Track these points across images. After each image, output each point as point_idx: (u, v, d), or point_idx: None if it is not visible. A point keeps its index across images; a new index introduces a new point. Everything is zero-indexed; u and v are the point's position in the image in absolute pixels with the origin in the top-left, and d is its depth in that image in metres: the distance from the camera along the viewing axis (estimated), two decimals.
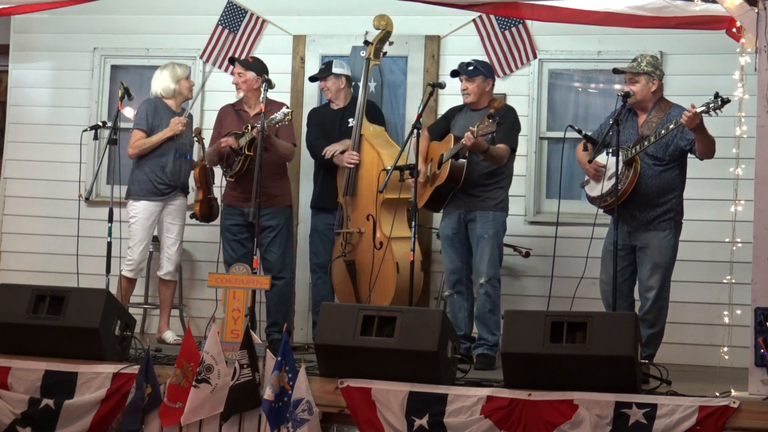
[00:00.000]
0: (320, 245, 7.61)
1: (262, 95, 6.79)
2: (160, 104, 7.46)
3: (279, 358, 5.59)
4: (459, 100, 7.42)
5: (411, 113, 7.90)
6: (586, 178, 6.49)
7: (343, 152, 7.41)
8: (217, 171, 7.64)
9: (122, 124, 7.46)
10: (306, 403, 5.54)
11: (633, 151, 6.20)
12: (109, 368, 6.00)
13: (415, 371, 5.61)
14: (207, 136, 7.73)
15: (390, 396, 5.58)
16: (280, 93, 7.78)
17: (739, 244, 6.29)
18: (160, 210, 7.43)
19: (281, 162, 7.35)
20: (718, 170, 6.68)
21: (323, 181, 7.62)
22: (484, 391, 5.52)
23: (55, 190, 8.47)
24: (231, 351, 5.76)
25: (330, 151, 7.44)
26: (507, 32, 7.89)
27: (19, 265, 8.50)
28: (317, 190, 7.69)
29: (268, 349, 5.81)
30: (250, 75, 7.34)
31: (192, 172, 7.58)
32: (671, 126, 6.10)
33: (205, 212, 7.59)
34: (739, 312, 6.49)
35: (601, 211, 6.41)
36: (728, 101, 5.86)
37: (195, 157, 7.69)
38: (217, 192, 7.66)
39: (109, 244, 6.98)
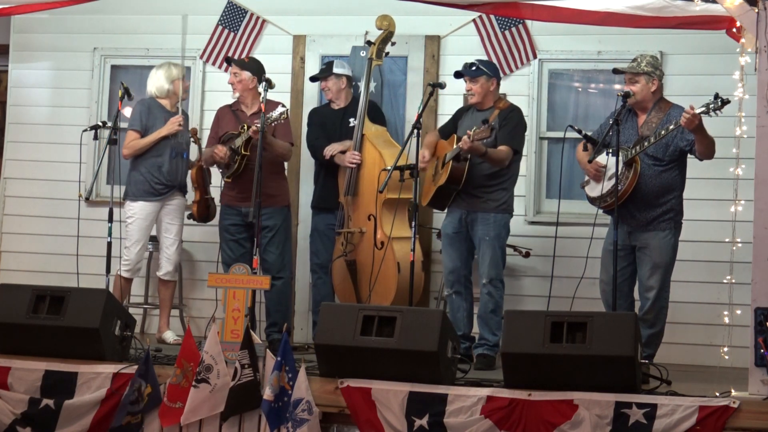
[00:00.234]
0: (321, 245, 7.62)
1: (262, 95, 6.79)
2: (154, 104, 7.45)
3: (279, 358, 5.59)
4: (459, 100, 7.44)
5: (411, 113, 7.90)
6: (586, 178, 6.50)
7: (344, 152, 7.41)
8: (214, 171, 7.63)
9: (122, 124, 7.47)
10: (306, 403, 5.54)
11: (633, 151, 6.20)
12: (109, 368, 6.00)
13: (415, 371, 5.61)
14: (206, 136, 7.74)
15: (390, 396, 5.58)
16: (280, 93, 7.78)
17: (739, 244, 6.28)
18: (157, 210, 7.42)
19: (279, 162, 7.35)
20: (718, 170, 6.68)
21: (324, 181, 7.62)
22: (484, 391, 5.52)
23: (55, 190, 8.47)
24: (231, 351, 5.76)
25: (330, 151, 7.44)
26: (507, 32, 7.89)
27: (19, 265, 8.49)
28: (318, 190, 7.69)
29: (268, 349, 5.81)
30: (246, 75, 7.35)
31: (189, 173, 7.58)
32: (671, 126, 6.11)
33: (203, 212, 7.59)
34: (739, 312, 6.47)
35: (601, 211, 6.41)
36: (728, 102, 5.86)
37: (192, 157, 7.68)
38: (215, 192, 7.66)
39: (109, 244, 6.98)
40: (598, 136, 6.37)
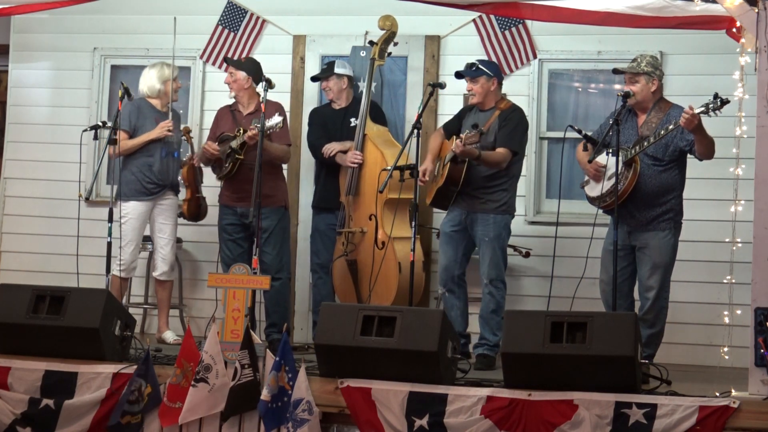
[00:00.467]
0: (321, 245, 7.62)
1: (262, 96, 6.80)
2: (144, 104, 7.43)
3: (277, 358, 5.58)
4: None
5: (411, 113, 7.90)
6: (586, 178, 6.50)
7: (344, 152, 7.41)
8: (207, 170, 7.64)
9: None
10: (306, 403, 5.54)
11: (633, 151, 6.20)
12: (109, 368, 6.00)
13: (415, 371, 5.61)
14: (204, 135, 7.75)
15: (390, 396, 5.58)
16: (280, 93, 7.78)
17: (739, 244, 6.28)
18: (150, 209, 7.42)
19: (275, 163, 7.34)
20: (718, 170, 6.68)
21: (325, 181, 7.62)
22: (484, 391, 5.52)
23: (55, 190, 8.47)
24: (231, 351, 5.76)
25: (328, 150, 7.44)
26: (507, 32, 7.89)
27: (19, 265, 8.49)
28: (319, 190, 7.69)
29: (268, 349, 5.81)
30: (241, 75, 7.35)
31: (180, 171, 7.57)
32: (671, 126, 6.11)
33: (193, 211, 7.57)
34: (739, 312, 6.47)
35: (600, 211, 6.41)
36: (727, 102, 5.86)
37: (188, 156, 7.67)
38: (209, 192, 7.66)
39: (109, 244, 6.97)
40: (598, 136, 6.37)
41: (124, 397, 5.77)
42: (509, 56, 7.90)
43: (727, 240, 6.44)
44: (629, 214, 6.27)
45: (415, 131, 6.59)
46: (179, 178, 7.59)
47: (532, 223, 7.80)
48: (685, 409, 5.24)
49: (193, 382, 5.69)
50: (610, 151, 6.12)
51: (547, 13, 6.82)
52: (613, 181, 6.17)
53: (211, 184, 7.60)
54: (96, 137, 7.38)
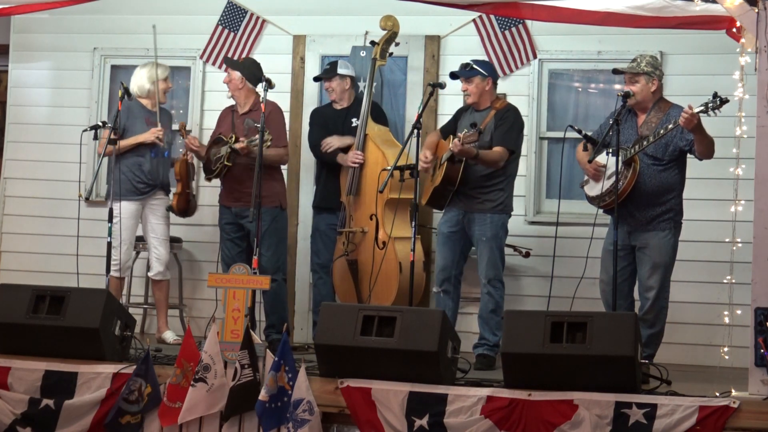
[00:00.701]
0: (322, 245, 7.62)
1: (262, 96, 6.80)
2: (134, 104, 7.41)
3: (276, 358, 5.58)
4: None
5: (411, 113, 7.90)
6: (586, 177, 6.50)
7: (345, 151, 7.41)
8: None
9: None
10: (307, 403, 5.54)
11: (632, 150, 6.20)
12: (109, 368, 6.00)
13: (415, 371, 5.61)
14: (204, 135, 7.75)
15: (390, 396, 5.58)
16: (280, 93, 7.78)
17: (739, 244, 6.28)
18: (141, 209, 7.42)
19: (272, 164, 7.31)
20: (718, 170, 6.68)
21: (326, 181, 7.62)
22: (484, 391, 5.52)
23: (55, 190, 8.47)
24: (231, 351, 5.76)
25: (327, 144, 7.43)
26: (507, 32, 7.89)
27: (19, 265, 8.49)
28: (320, 190, 7.69)
29: (268, 350, 5.81)
30: (236, 75, 7.36)
31: (172, 169, 7.57)
32: (670, 126, 6.11)
33: (182, 206, 7.56)
34: (739, 312, 6.47)
35: (600, 211, 6.41)
36: (727, 101, 5.86)
37: (183, 151, 7.67)
38: (209, 192, 7.66)
39: (109, 244, 6.98)
40: (598, 136, 6.37)
41: (121, 396, 5.77)
42: (509, 56, 7.90)
43: (727, 240, 6.44)
44: (629, 213, 6.27)
45: (415, 131, 6.59)
46: (171, 174, 7.57)
47: (532, 223, 7.80)
48: (685, 409, 5.24)
49: (192, 382, 5.69)
50: (610, 150, 6.12)
51: (546, 13, 6.82)
52: (612, 180, 6.17)
53: (213, 184, 7.59)
54: (96, 137, 7.39)
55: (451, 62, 7.72)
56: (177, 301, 8.14)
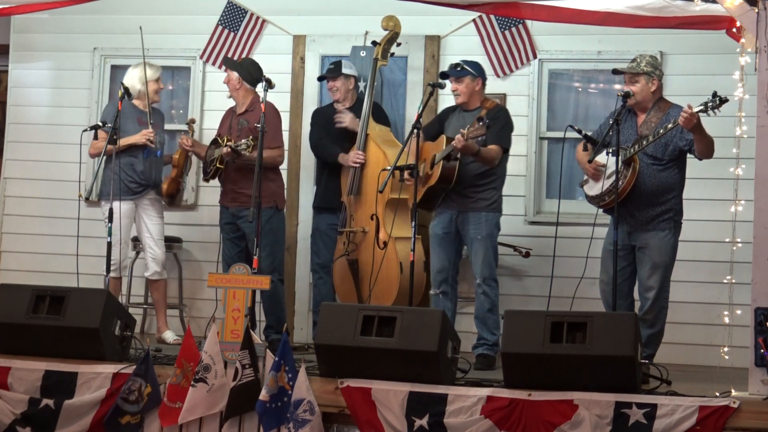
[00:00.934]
0: (322, 245, 7.61)
1: (262, 96, 6.80)
2: (126, 104, 7.37)
3: (276, 358, 5.58)
4: None
5: (411, 113, 7.90)
6: (585, 177, 6.50)
7: (352, 139, 7.41)
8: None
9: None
10: (307, 403, 5.54)
11: (632, 150, 6.20)
12: (109, 368, 5.99)
13: (415, 371, 5.60)
14: (206, 135, 7.75)
15: (390, 396, 5.57)
16: (280, 93, 7.79)
17: (739, 244, 6.28)
18: (134, 209, 7.41)
19: (265, 165, 7.31)
20: (718, 170, 6.68)
21: (327, 182, 7.62)
22: (484, 391, 5.52)
23: (55, 190, 8.47)
24: (231, 351, 5.76)
25: (340, 117, 7.44)
26: (507, 32, 7.89)
27: (19, 265, 8.50)
28: (321, 190, 7.68)
29: (268, 350, 5.81)
30: (233, 75, 7.37)
31: (177, 152, 7.57)
32: (670, 125, 6.10)
33: (171, 191, 7.53)
34: (739, 312, 6.47)
35: (600, 211, 6.41)
36: (726, 100, 5.85)
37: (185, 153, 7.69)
38: (210, 192, 7.66)
39: (109, 244, 6.98)
40: (598, 136, 6.37)
41: (120, 396, 5.77)
42: (509, 56, 7.90)
43: (727, 240, 6.44)
44: (629, 213, 6.27)
45: (415, 131, 6.59)
46: (172, 157, 7.59)
47: (532, 223, 7.80)
48: (685, 409, 5.24)
49: (192, 383, 5.69)
50: (610, 150, 6.12)
51: (547, 13, 6.82)
52: (612, 180, 6.17)
53: (213, 184, 7.59)
54: (96, 137, 7.39)
55: (451, 62, 7.71)
56: (177, 301, 8.15)
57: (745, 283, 5.84)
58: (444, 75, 6.98)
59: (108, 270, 6.99)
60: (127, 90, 7.23)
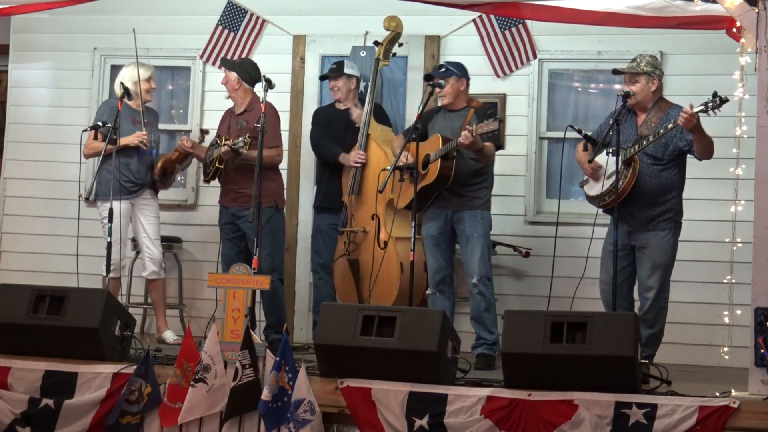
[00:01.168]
0: (323, 245, 7.61)
1: (262, 96, 6.80)
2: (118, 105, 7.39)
3: (277, 358, 5.58)
4: None
5: (411, 113, 7.90)
6: (585, 177, 6.49)
7: (355, 134, 7.41)
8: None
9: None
10: (308, 403, 5.54)
11: (632, 150, 6.20)
12: (109, 368, 5.99)
13: (415, 371, 5.60)
14: (208, 136, 7.77)
15: (390, 396, 5.57)
16: (280, 93, 7.79)
17: (739, 244, 6.29)
18: (130, 208, 7.41)
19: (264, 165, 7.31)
20: (718, 170, 6.68)
21: (328, 182, 7.62)
22: (484, 391, 5.52)
23: (55, 190, 8.47)
24: (231, 351, 5.75)
25: (357, 113, 7.45)
26: (507, 32, 7.89)
27: (19, 265, 8.50)
28: (322, 190, 7.68)
29: (268, 350, 5.80)
30: (232, 76, 7.37)
31: (174, 153, 7.57)
32: (670, 125, 6.10)
33: (167, 169, 7.50)
34: (739, 312, 6.48)
35: (600, 210, 6.41)
36: (726, 100, 5.85)
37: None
38: (210, 192, 7.66)
39: (109, 244, 6.98)
40: (598, 135, 6.37)
41: (122, 397, 5.77)
42: (509, 56, 7.90)
43: (727, 240, 6.45)
44: (629, 213, 6.27)
45: (415, 131, 6.59)
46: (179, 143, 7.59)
47: (532, 223, 7.80)
48: (685, 409, 5.24)
49: (192, 383, 5.69)
50: (610, 150, 6.12)
51: (547, 13, 6.81)
52: (612, 180, 6.17)
53: (213, 184, 7.59)
54: (96, 137, 7.38)
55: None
56: (176, 300, 8.15)
57: (745, 283, 5.84)
58: (428, 77, 6.98)
59: (108, 270, 6.99)
60: (126, 90, 7.23)
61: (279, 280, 7.36)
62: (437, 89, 6.82)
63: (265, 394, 5.54)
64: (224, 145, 7.17)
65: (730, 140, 6.30)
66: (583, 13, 6.67)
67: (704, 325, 7.26)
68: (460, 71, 6.90)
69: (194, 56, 8.43)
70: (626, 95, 6.22)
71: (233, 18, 8.31)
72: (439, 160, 6.69)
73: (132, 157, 7.36)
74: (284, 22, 8.27)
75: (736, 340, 6.48)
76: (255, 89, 7.43)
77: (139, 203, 7.44)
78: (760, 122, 5.63)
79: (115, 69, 8.55)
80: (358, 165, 7.36)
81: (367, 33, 7.96)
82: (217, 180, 7.45)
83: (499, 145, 6.87)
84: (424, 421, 5.50)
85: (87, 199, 7.51)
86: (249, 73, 7.37)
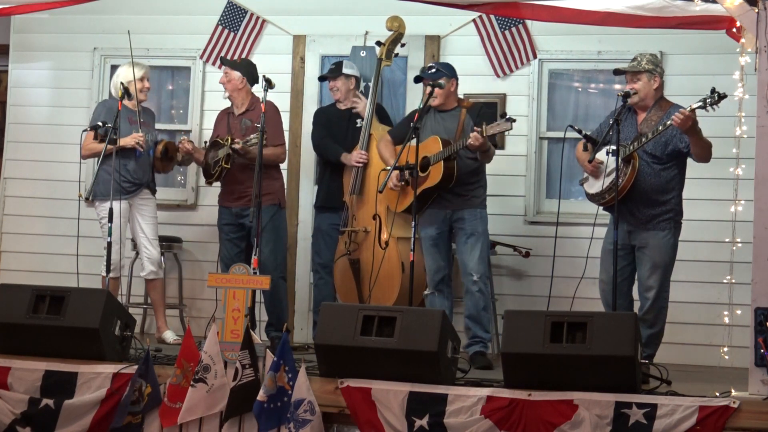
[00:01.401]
0: (324, 245, 7.61)
1: (262, 96, 6.80)
2: (115, 105, 7.35)
3: (276, 359, 5.58)
4: None
5: None
6: (585, 175, 6.49)
7: (351, 152, 7.42)
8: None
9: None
10: (308, 403, 5.53)
11: (631, 147, 6.20)
12: (109, 368, 5.99)
13: (415, 371, 5.60)
14: (206, 136, 7.76)
15: (390, 396, 5.57)
16: (280, 93, 7.79)
17: (739, 244, 6.28)
18: (128, 208, 7.40)
19: (265, 163, 7.31)
20: (718, 170, 6.68)
21: (330, 182, 7.62)
22: (484, 391, 5.52)
23: (55, 190, 8.47)
24: (231, 351, 5.75)
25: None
26: (507, 32, 7.89)
27: (19, 265, 8.50)
28: (324, 190, 7.68)
29: (268, 350, 5.81)
30: (236, 75, 7.36)
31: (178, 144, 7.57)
32: (669, 123, 6.10)
33: (168, 150, 7.49)
34: (739, 312, 6.48)
35: (601, 210, 6.41)
36: (725, 96, 5.86)
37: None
38: (210, 192, 7.64)
39: (109, 244, 6.98)
40: (598, 135, 6.38)
41: (126, 399, 5.76)
42: (509, 56, 7.90)
43: (727, 240, 6.44)
44: (629, 211, 6.27)
45: (415, 131, 6.58)
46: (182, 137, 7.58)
47: (532, 223, 7.80)
48: (685, 409, 5.24)
49: (192, 383, 5.69)
50: (610, 150, 6.12)
51: (547, 13, 6.82)
52: (612, 177, 6.17)
53: (214, 185, 7.58)
54: (96, 137, 7.38)
55: (451, 62, 7.71)
56: (176, 300, 8.15)
57: (745, 283, 5.84)
58: (418, 78, 6.98)
59: (108, 270, 6.99)
60: (126, 90, 7.22)
61: (281, 278, 7.36)
62: (437, 89, 6.82)
63: (261, 395, 5.54)
64: (235, 143, 7.14)
65: (730, 140, 6.30)
66: (583, 13, 6.67)
67: (704, 325, 7.26)
68: (449, 72, 6.91)
69: (194, 56, 8.42)
70: (626, 95, 6.22)
71: (233, 18, 8.31)
72: (442, 161, 6.69)
73: (130, 158, 7.35)
74: (284, 22, 8.27)
75: (736, 340, 6.47)
76: (253, 89, 7.44)
77: (137, 203, 7.44)
78: (760, 122, 5.63)
79: (115, 69, 8.55)
80: (360, 165, 7.36)
81: (367, 33, 7.96)
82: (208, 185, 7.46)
83: (496, 145, 6.86)
84: (424, 421, 5.49)
85: (87, 199, 7.50)
86: (251, 73, 7.37)
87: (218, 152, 7.29)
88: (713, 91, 5.87)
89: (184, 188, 8.46)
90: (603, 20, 6.69)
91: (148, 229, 7.45)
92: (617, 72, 6.45)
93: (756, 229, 5.61)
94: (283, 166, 7.70)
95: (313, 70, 8.16)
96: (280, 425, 5.58)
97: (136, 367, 5.86)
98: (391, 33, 7.54)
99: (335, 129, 7.56)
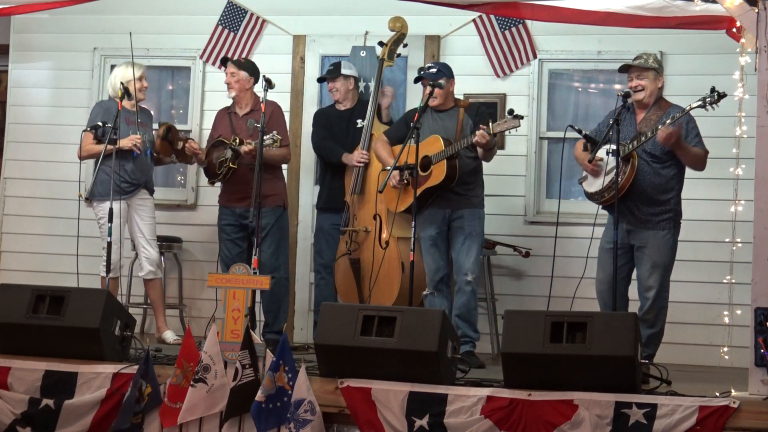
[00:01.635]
0: (325, 245, 7.61)
1: (262, 96, 6.80)
2: (113, 105, 7.33)
3: (275, 359, 5.58)
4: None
5: None
6: (584, 174, 6.49)
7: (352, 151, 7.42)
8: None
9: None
10: (308, 403, 5.53)
11: (630, 146, 6.20)
12: (109, 368, 5.99)
13: (415, 371, 5.60)
14: (205, 136, 7.75)
15: (390, 396, 5.57)
16: (280, 93, 7.79)
17: (739, 244, 6.28)
18: (126, 208, 7.40)
19: (274, 164, 7.32)
20: (718, 170, 6.68)
21: (331, 182, 7.62)
22: (484, 391, 5.52)
23: (55, 190, 8.47)
24: (231, 351, 5.75)
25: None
26: (507, 32, 7.89)
27: (19, 265, 8.50)
28: (325, 191, 7.68)
29: (268, 350, 5.81)
30: (243, 74, 7.36)
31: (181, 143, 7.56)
32: (668, 121, 6.10)
33: (170, 130, 7.48)
34: (739, 312, 6.48)
35: (600, 209, 6.41)
36: (724, 95, 5.87)
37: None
38: (210, 192, 7.62)
39: (109, 244, 6.97)
40: (597, 134, 6.38)
41: (129, 401, 5.75)
42: (509, 56, 7.90)
43: (727, 240, 6.44)
44: (628, 210, 6.27)
45: (415, 131, 6.59)
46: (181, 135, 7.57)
47: (532, 223, 7.80)
48: (685, 409, 5.24)
49: (192, 383, 5.69)
50: (610, 150, 6.12)
51: (547, 13, 6.82)
52: (611, 176, 6.17)
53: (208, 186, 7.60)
54: (95, 137, 7.38)
55: (451, 62, 7.70)
56: (176, 300, 8.15)
57: (745, 283, 5.85)
58: (418, 79, 6.98)
59: (108, 270, 6.99)
60: (127, 90, 7.22)
61: (285, 278, 7.37)
62: (437, 90, 6.82)
63: (259, 395, 5.54)
64: (247, 143, 7.11)
65: (730, 140, 6.30)
66: (583, 13, 6.67)
67: (704, 325, 7.26)
68: (448, 72, 6.92)
69: (194, 56, 8.43)
70: (626, 95, 6.22)
71: (233, 18, 8.31)
72: (445, 160, 6.69)
73: (128, 159, 7.35)
74: (284, 22, 8.27)
75: (736, 340, 6.47)
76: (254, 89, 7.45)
77: (135, 203, 7.43)
78: (760, 122, 5.63)
79: None
80: (361, 165, 7.36)
81: (367, 33, 7.96)
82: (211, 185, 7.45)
83: (496, 144, 6.88)
84: (424, 421, 5.50)
85: (87, 199, 7.50)
86: (256, 73, 7.37)
87: (224, 152, 7.27)
88: (713, 90, 5.88)
89: (184, 188, 8.46)
90: (603, 20, 6.69)
91: (146, 230, 7.44)
92: (623, 69, 6.43)
93: (756, 229, 5.61)
94: (284, 166, 7.69)
95: (313, 70, 8.16)
96: (281, 425, 5.58)
97: (136, 367, 5.86)
98: (393, 33, 7.54)
99: (335, 130, 7.56)
